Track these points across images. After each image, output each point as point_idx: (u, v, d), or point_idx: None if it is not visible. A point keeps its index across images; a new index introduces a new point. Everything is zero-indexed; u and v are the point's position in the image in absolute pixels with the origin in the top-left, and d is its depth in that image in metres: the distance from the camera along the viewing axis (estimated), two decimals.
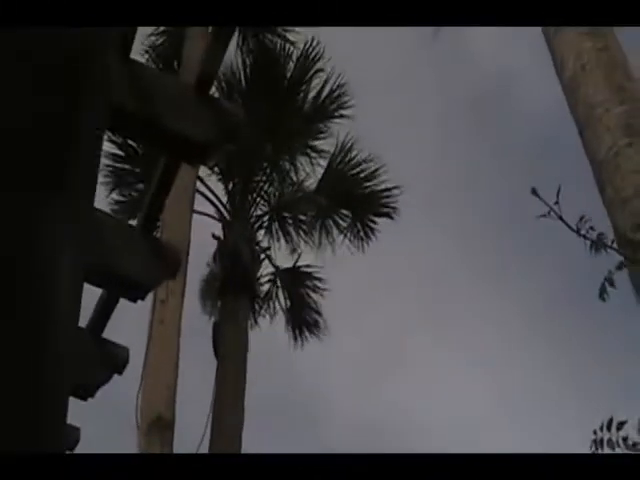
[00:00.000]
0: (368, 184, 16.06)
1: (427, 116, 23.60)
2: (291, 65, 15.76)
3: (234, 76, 15.71)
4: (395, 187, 16.08)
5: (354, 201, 16.04)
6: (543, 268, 22.42)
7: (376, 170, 16.01)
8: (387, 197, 16.10)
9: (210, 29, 3.57)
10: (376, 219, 16.19)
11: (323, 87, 15.87)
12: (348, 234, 16.26)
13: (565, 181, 6.10)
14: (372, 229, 16.23)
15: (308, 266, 16.41)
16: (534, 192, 6.05)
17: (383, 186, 16.08)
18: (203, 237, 14.56)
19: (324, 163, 16.16)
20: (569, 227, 6.00)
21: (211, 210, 15.40)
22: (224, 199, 15.58)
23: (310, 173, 16.21)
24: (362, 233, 16.22)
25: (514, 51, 21.13)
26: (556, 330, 21.82)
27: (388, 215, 16.17)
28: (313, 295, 16.38)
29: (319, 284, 16.37)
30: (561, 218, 5.94)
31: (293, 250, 16.28)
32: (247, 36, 15.87)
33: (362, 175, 16.04)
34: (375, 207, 16.14)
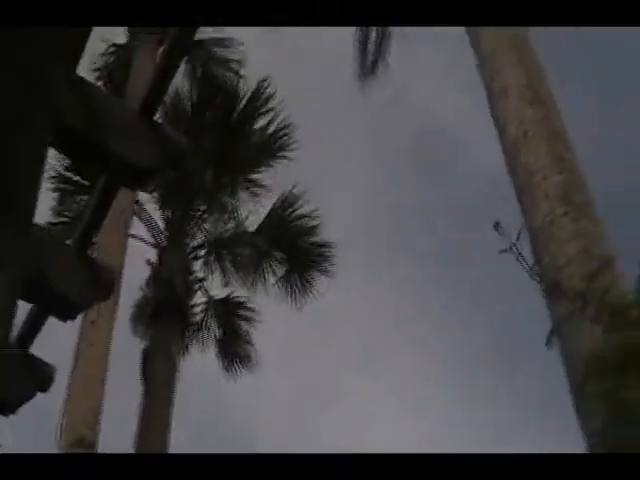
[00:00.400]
0: (308, 239, 16.08)
1: (363, 165, 23.81)
2: (240, 98, 15.85)
3: (180, 102, 15.72)
4: (333, 244, 16.15)
5: (293, 252, 16.03)
6: (493, 312, 22.58)
7: (316, 226, 16.06)
8: (326, 254, 16.13)
9: (159, 54, 3.59)
10: (314, 276, 16.20)
11: (269, 125, 15.98)
12: (284, 284, 16.29)
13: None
14: (309, 285, 16.24)
15: (241, 296, 16.39)
16: (496, 227, 6.16)
17: (322, 242, 16.11)
18: (138, 260, 14.46)
19: (266, 202, 16.22)
20: (525, 267, 6.10)
21: (148, 235, 15.34)
22: (162, 226, 15.53)
23: (251, 211, 16.24)
24: (299, 286, 16.23)
25: (455, 100, 21.46)
26: (496, 376, 21.98)
27: (326, 272, 16.20)
28: (245, 326, 16.34)
29: (252, 315, 16.34)
30: (520, 255, 6.06)
31: (227, 284, 16.24)
32: (196, 65, 15.94)
33: (303, 228, 16.05)
34: (313, 263, 16.14)
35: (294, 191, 15.92)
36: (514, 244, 6.19)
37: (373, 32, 14.22)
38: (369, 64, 14.11)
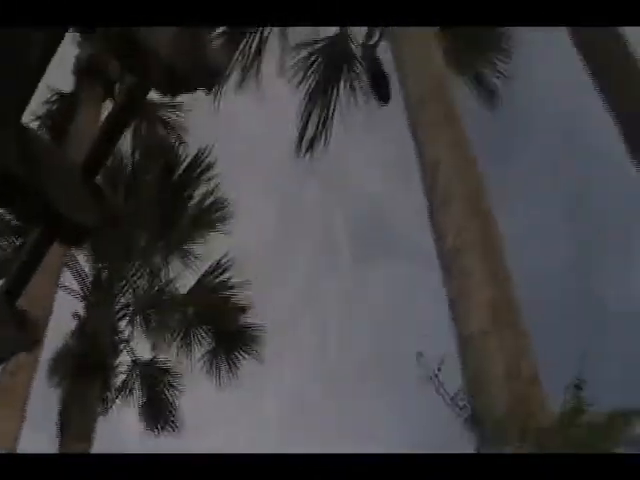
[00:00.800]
0: (237, 318, 16.01)
1: (305, 245, 23.78)
2: (180, 164, 15.92)
3: (121, 163, 15.71)
4: (261, 326, 16.12)
5: (221, 331, 15.96)
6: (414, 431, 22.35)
7: (246, 307, 16.04)
8: (255, 336, 16.05)
9: (104, 108, 3.60)
10: (240, 357, 16.11)
11: (206, 196, 16.03)
12: (210, 360, 16.13)
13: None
14: (235, 366, 16.12)
15: (167, 362, 16.20)
16: (419, 357, 6.08)
17: (251, 324, 16.07)
18: (65, 310, 14.27)
19: (197, 270, 16.15)
20: (447, 399, 6.02)
21: (77, 286, 15.18)
22: (92, 280, 15.38)
23: (181, 275, 16.17)
24: (225, 366, 16.11)
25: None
26: None
27: (254, 354, 16.10)
28: (169, 392, 16.11)
29: (176, 381, 16.14)
30: (442, 386, 5.98)
31: (154, 347, 16.06)
32: (140, 126, 15.97)
33: (232, 304, 15.97)
34: (241, 344, 16.04)
35: (225, 261, 15.96)
36: (435, 375, 6.16)
37: (317, 109, 14.48)
38: (308, 140, 14.31)
